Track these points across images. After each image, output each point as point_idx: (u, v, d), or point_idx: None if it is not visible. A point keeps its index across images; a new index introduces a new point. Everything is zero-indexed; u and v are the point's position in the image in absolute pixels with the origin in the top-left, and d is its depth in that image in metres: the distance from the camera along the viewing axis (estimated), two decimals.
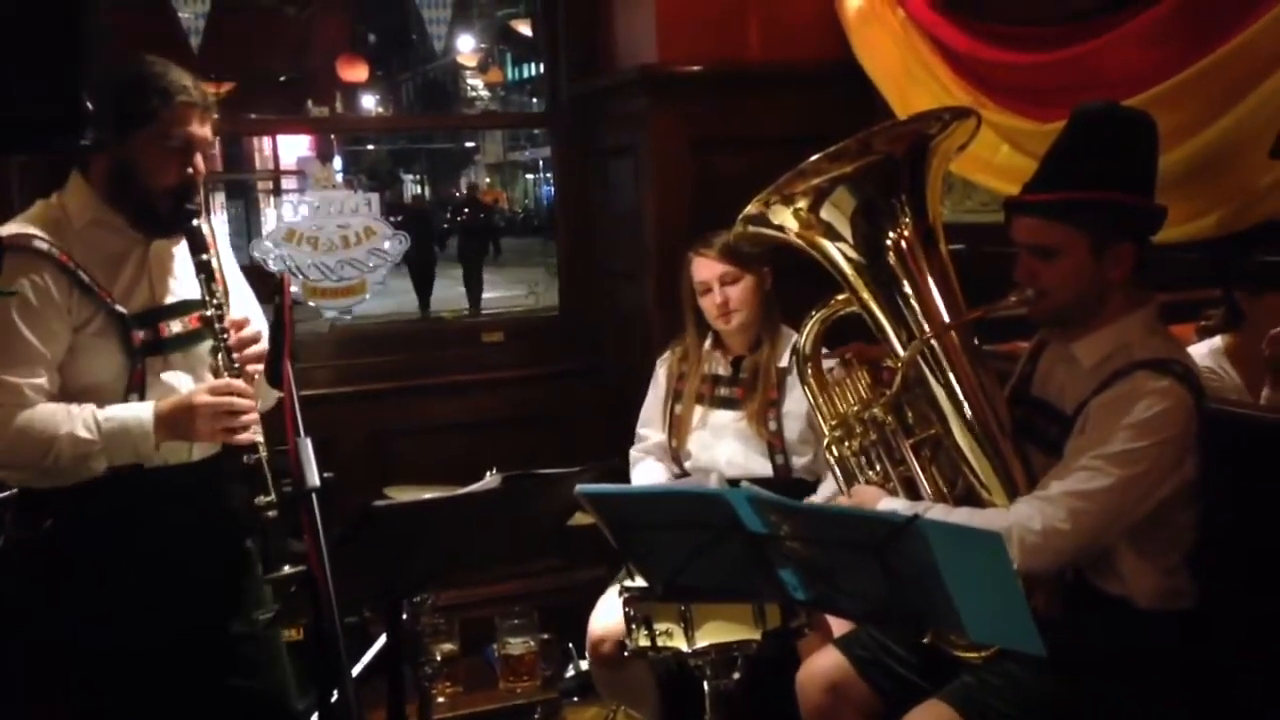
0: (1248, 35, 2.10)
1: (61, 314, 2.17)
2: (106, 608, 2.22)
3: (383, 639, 2.36)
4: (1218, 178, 2.20)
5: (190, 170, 2.23)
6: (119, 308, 2.22)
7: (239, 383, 2.20)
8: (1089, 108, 2.21)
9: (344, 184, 5.61)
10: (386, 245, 3.92)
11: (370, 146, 26.08)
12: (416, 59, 28.56)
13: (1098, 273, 2.17)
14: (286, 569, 2.21)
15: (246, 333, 2.27)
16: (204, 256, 2.24)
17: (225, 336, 2.23)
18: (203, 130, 2.25)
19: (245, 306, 2.41)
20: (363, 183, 16.60)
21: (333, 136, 19.33)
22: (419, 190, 27.01)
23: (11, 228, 2.20)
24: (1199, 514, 2.19)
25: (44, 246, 2.17)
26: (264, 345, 2.26)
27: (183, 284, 2.32)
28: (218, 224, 2.49)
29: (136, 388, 2.24)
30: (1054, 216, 2.17)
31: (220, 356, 2.23)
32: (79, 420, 2.15)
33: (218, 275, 2.28)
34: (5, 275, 2.04)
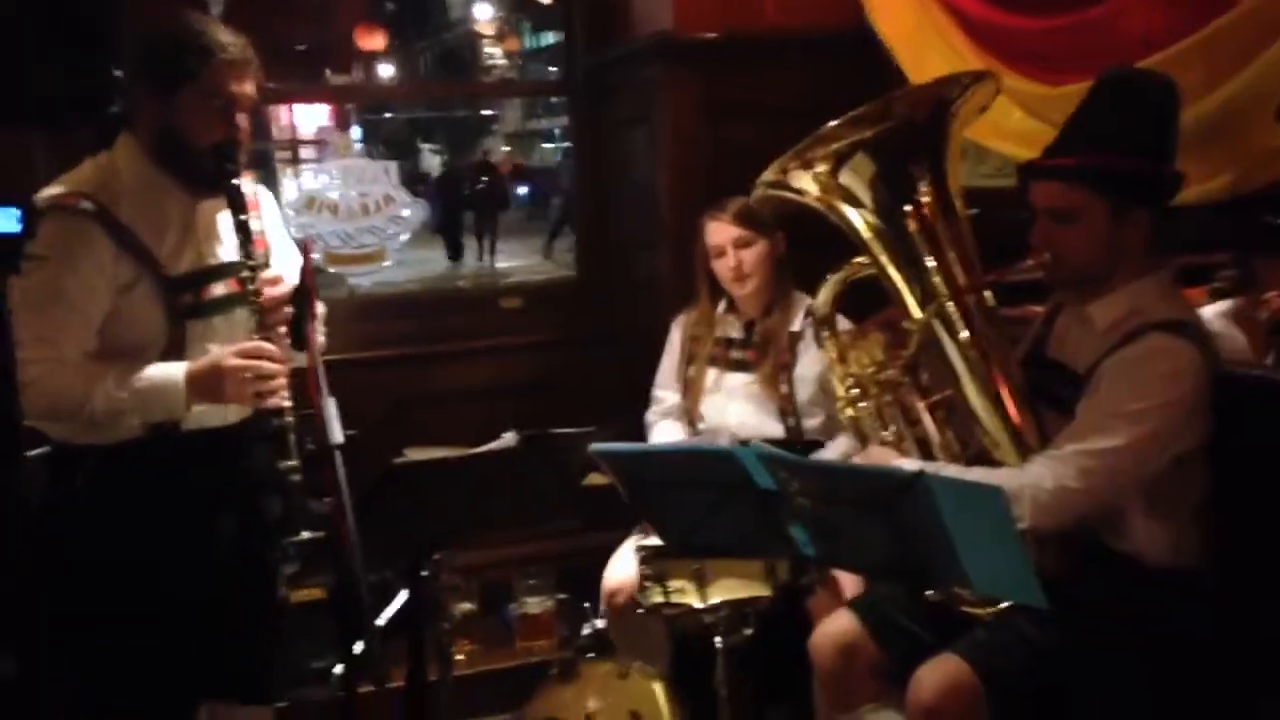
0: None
1: (106, 275, 2.19)
2: (134, 566, 2.25)
3: (402, 596, 2.41)
4: (1229, 139, 2.21)
5: (233, 128, 2.24)
6: (165, 270, 2.24)
7: (269, 345, 2.20)
8: (1115, 72, 2.22)
9: (362, 153, 5.65)
10: (405, 212, 3.96)
11: (388, 115, 26.06)
12: (434, 27, 28.49)
13: (1115, 237, 2.18)
14: (305, 534, 2.21)
15: (278, 291, 2.27)
16: (242, 217, 2.24)
17: (258, 297, 2.23)
18: (244, 88, 2.25)
19: (289, 270, 2.39)
20: (381, 152, 16.67)
21: (350, 106, 19.35)
22: (444, 158, 27.13)
23: (56, 189, 2.21)
24: (1209, 474, 2.21)
25: (90, 207, 2.18)
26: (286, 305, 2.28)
27: (227, 246, 2.33)
28: (263, 193, 2.51)
29: (176, 349, 2.26)
30: (1073, 181, 2.18)
31: (253, 318, 2.23)
32: (112, 378, 2.18)
33: (256, 237, 2.27)
34: (51, 236, 2.06)
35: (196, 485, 2.30)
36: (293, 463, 2.15)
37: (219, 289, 2.32)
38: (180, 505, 2.28)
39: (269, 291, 2.25)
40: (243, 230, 2.24)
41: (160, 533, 2.26)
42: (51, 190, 2.21)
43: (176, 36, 2.21)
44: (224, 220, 2.33)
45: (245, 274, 2.24)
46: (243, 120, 2.27)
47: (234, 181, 2.23)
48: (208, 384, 2.20)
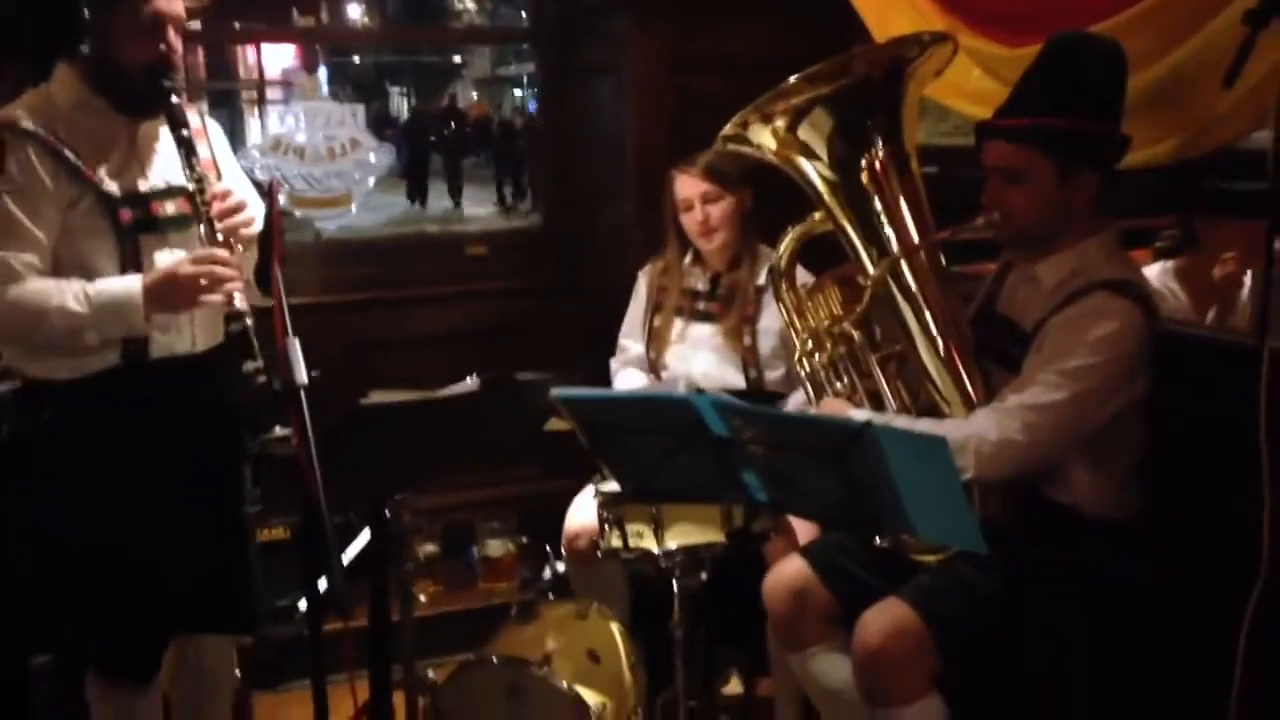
0: None
1: (49, 193, 2.23)
2: (102, 498, 2.30)
3: (365, 534, 2.46)
4: (1175, 105, 2.25)
5: (164, 47, 2.27)
6: (106, 187, 2.27)
7: (221, 252, 2.23)
8: (1062, 36, 2.25)
9: (329, 96, 5.60)
10: (372, 157, 3.96)
11: (356, 59, 25.66)
12: None
13: (1062, 198, 2.23)
14: (278, 430, 2.26)
15: (230, 202, 2.29)
16: (184, 132, 2.27)
17: (207, 208, 2.26)
18: (172, 6, 2.28)
19: (241, 191, 2.42)
20: (348, 94, 16.47)
21: (317, 48, 19.03)
22: (411, 102, 26.87)
23: (3, 113, 2.25)
24: (1148, 429, 2.29)
25: (29, 126, 2.23)
26: (249, 214, 2.32)
27: (173, 167, 2.36)
28: (211, 124, 2.53)
29: (132, 267, 2.29)
30: (1023, 141, 2.23)
31: (203, 228, 2.25)
32: (69, 294, 2.21)
33: (199, 153, 2.30)
34: None
35: (167, 414, 2.33)
36: (257, 363, 2.12)
37: (170, 207, 2.35)
38: (151, 434, 2.31)
39: (219, 205, 2.27)
40: (184, 144, 2.27)
41: (130, 462, 2.30)
42: None
43: None
44: (167, 139, 2.35)
45: (191, 186, 2.26)
46: (174, 40, 2.29)
47: (172, 101, 2.26)
48: (163, 292, 2.23)
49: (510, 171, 16.49)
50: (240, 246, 2.30)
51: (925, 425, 2.26)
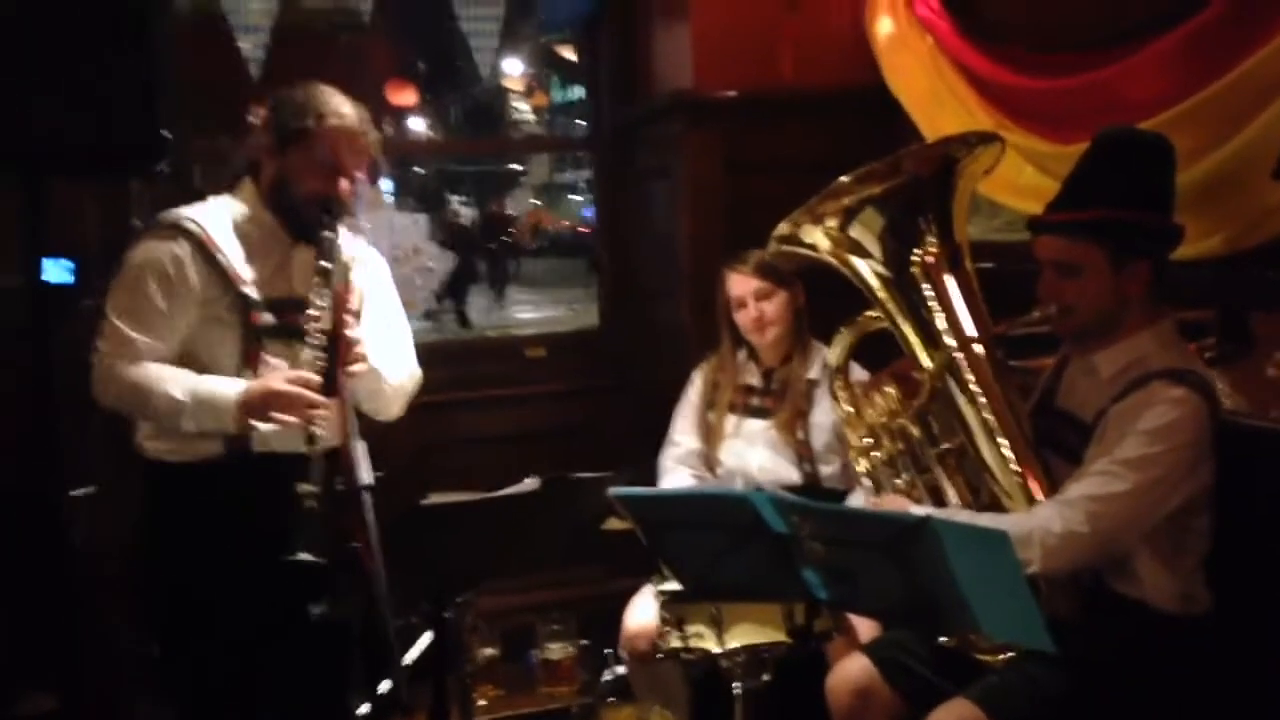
0: (1252, 63, 2.17)
1: (192, 288, 2.39)
2: (203, 584, 2.40)
3: (426, 638, 2.46)
4: (1225, 199, 2.26)
5: (334, 185, 2.43)
6: (245, 289, 2.42)
7: (315, 378, 2.29)
8: (1111, 131, 2.29)
9: (393, 205, 5.75)
10: (432, 264, 4.06)
11: (419, 170, 26.35)
12: (464, 82, 28.86)
13: (1117, 288, 2.24)
14: (303, 556, 2.16)
15: (355, 350, 2.37)
16: (324, 264, 2.37)
17: (323, 336, 2.32)
18: (353, 156, 2.47)
19: (377, 338, 2.53)
20: (411, 204, 16.87)
21: (381, 159, 19.64)
22: (473, 210, 27.59)
23: (175, 211, 2.46)
24: (1215, 522, 2.25)
25: (193, 227, 2.41)
26: (361, 366, 2.39)
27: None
28: (377, 258, 2.71)
29: (250, 367, 2.42)
30: (1077, 235, 2.25)
31: (306, 353, 2.32)
32: (176, 382, 2.35)
33: (337, 287, 2.37)
34: (145, 247, 2.39)
35: (262, 509, 2.37)
36: (313, 489, 2.14)
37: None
38: (244, 526, 2.36)
39: (323, 325, 2.32)
40: (320, 274, 2.37)
41: (225, 556, 2.37)
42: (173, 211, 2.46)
43: (301, 99, 2.45)
44: None
45: (312, 310, 2.33)
46: (343, 182, 2.45)
47: (325, 233, 2.40)
48: (255, 403, 2.32)
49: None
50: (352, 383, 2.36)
51: (987, 520, 2.24)
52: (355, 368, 2.37)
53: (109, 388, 2.38)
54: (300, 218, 2.45)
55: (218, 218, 2.46)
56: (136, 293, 2.37)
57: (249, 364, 2.42)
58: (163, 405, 2.34)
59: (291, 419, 2.27)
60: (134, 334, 2.36)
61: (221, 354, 2.42)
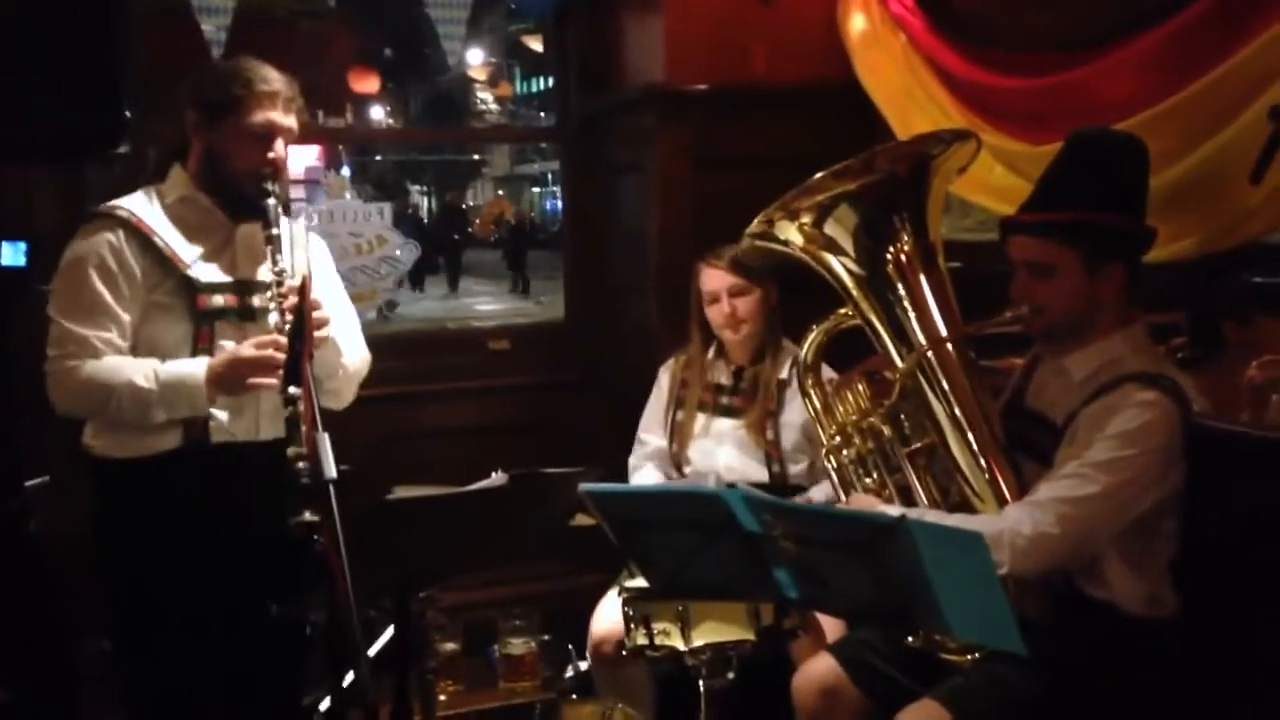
0: (1230, 65, 2.18)
1: (133, 275, 2.33)
2: (155, 580, 2.35)
3: (388, 633, 2.42)
4: (1200, 202, 2.28)
5: (271, 155, 2.38)
6: (190, 273, 2.37)
7: (282, 339, 2.26)
8: (1084, 132, 2.29)
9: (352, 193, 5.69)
10: (398, 253, 4.01)
11: (378, 158, 26.17)
12: (430, 71, 28.73)
13: (1090, 290, 2.24)
14: (306, 515, 2.22)
15: (316, 314, 2.33)
16: (273, 231, 2.34)
17: (282, 300, 2.30)
18: (285, 120, 2.41)
19: (330, 303, 2.48)
20: (369, 193, 16.85)
21: (340, 147, 19.46)
22: (431, 199, 27.66)
23: (106, 204, 2.40)
24: (1184, 525, 2.25)
25: (125, 214, 2.35)
26: (326, 331, 2.37)
27: (263, 265, 2.42)
28: (315, 239, 2.62)
29: (203, 351, 2.37)
30: (1050, 236, 2.25)
31: (273, 318, 2.31)
32: (139, 371, 2.29)
33: (291, 255, 2.35)
34: (87, 233, 2.33)
35: (223, 499, 2.34)
36: (302, 449, 2.06)
37: (256, 300, 2.43)
38: (205, 518, 2.32)
39: (292, 300, 2.30)
40: (270, 241, 2.34)
41: (183, 545, 2.32)
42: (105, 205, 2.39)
43: (225, 71, 2.41)
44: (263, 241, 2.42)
45: (271, 277, 2.32)
46: (279, 147, 2.40)
47: (269, 204, 2.35)
48: (223, 373, 2.30)
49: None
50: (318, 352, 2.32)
51: (957, 520, 2.23)
52: (321, 332, 2.34)
53: (66, 392, 2.32)
54: (238, 193, 2.40)
55: (150, 205, 2.41)
56: (81, 288, 2.31)
57: (200, 349, 2.37)
58: (128, 398, 2.29)
59: (268, 381, 2.26)
60: (85, 330, 2.30)
61: (171, 341, 2.37)
